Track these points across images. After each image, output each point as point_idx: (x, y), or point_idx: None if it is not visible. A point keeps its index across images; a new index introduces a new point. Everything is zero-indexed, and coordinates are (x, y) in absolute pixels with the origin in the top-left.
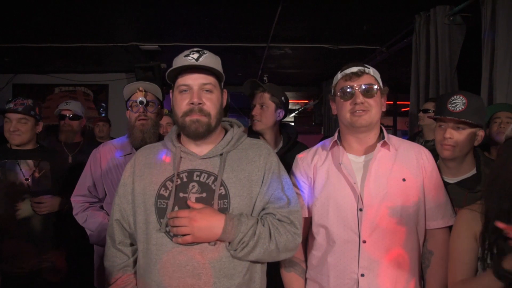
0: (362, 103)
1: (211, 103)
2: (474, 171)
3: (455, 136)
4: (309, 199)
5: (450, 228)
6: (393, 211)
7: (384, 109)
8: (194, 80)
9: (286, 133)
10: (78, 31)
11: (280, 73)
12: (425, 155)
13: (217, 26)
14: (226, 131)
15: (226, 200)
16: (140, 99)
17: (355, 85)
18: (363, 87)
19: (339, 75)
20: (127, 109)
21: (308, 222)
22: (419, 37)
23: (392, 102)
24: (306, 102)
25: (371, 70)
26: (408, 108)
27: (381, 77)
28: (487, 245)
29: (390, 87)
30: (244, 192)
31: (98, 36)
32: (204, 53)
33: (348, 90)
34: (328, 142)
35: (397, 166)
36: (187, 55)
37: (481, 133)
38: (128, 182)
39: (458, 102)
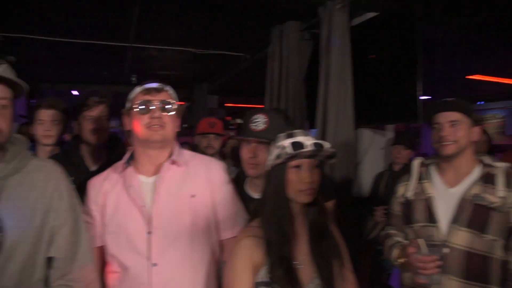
0: (159, 117)
1: (5, 119)
2: None
3: (260, 154)
4: (101, 228)
5: None
6: (184, 229)
7: (178, 129)
8: None
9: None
10: None
11: (150, 74)
12: (215, 168)
13: (75, 21)
14: (5, 150)
15: (1, 234)
16: None
17: (154, 99)
18: (162, 102)
19: (137, 89)
20: None
21: (103, 251)
22: (273, 48)
23: (263, 106)
24: (180, 104)
25: (170, 89)
26: None
27: (249, 82)
28: (270, 270)
29: (259, 93)
30: (26, 224)
31: None
32: (2, 63)
33: (147, 104)
34: (120, 163)
35: (186, 183)
36: None
37: None
38: None
39: (260, 121)
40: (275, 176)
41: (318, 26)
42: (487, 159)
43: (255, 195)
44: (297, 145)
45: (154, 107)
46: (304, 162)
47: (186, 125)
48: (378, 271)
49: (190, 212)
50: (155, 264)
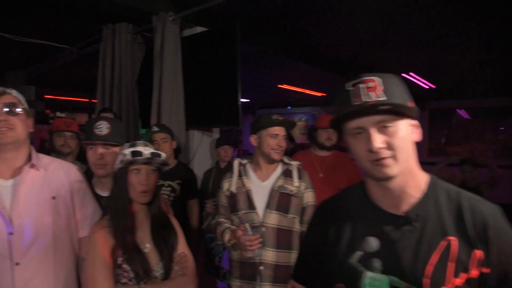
0: (5, 120)
1: None
2: None
3: (106, 155)
4: None
5: None
6: (46, 229)
7: (31, 130)
8: None
9: None
10: None
11: None
12: (73, 172)
13: None
14: None
15: None
16: None
17: None
18: (6, 105)
19: None
20: None
21: None
22: (105, 46)
23: (88, 100)
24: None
25: (14, 92)
26: None
27: (78, 73)
28: (123, 254)
29: (87, 84)
30: None
31: None
32: None
33: None
34: None
35: (46, 185)
36: None
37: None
38: None
39: (103, 127)
40: (119, 178)
41: (150, 30)
42: (286, 159)
43: (103, 193)
44: (135, 153)
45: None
46: (142, 167)
47: None
48: (211, 256)
49: (51, 213)
50: (17, 263)
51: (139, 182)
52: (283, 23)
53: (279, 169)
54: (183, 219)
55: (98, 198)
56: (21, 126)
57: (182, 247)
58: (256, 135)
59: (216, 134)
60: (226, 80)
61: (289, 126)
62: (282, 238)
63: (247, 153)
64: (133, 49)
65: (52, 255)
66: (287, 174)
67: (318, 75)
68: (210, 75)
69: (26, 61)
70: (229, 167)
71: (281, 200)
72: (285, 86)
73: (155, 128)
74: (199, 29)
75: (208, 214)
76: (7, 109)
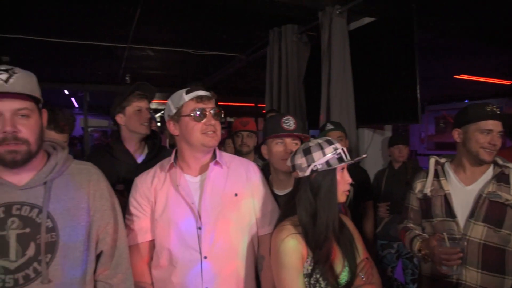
0: (214, 125)
1: (29, 129)
2: None
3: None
4: (152, 222)
5: None
6: (228, 226)
7: None
8: (5, 105)
9: (150, 139)
10: None
11: (143, 73)
12: (252, 169)
13: (73, 22)
14: (49, 155)
15: (54, 233)
16: None
17: (208, 107)
18: (214, 109)
19: (185, 96)
20: None
21: (152, 245)
22: (272, 50)
23: (254, 104)
24: None
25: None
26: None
27: (245, 80)
28: (313, 265)
29: (253, 90)
30: (75, 222)
31: None
32: (14, 73)
33: (203, 111)
34: (166, 163)
35: (229, 182)
36: None
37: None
38: None
39: (290, 122)
40: (329, 178)
41: (315, 29)
42: (500, 160)
43: (279, 191)
44: (345, 152)
45: (208, 115)
46: (345, 165)
47: None
48: (382, 265)
49: (234, 210)
50: (205, 257)
51: (347, 181)
52: (463, 2)
53: (489, 171)
54: (356, 222)
55: (275, 197)
56: (220, 130)
57: (363, 252)
58: (461, 130)
59: (388, 132)
60: (402, 72)
61: (508, 120)
62: (490, 258)
63: (416, 154)
64: (299, 49)
65: (235, 251)
66: (501, 179)
67: (506, 60)
68: (382, 68)
69: (203, 72)
70: (403, 168)
71: (491, 210)
72: (463, 77)
73: (330, 126)
74: (366, 20)
75: (381, 218)
76: (215, 113)
